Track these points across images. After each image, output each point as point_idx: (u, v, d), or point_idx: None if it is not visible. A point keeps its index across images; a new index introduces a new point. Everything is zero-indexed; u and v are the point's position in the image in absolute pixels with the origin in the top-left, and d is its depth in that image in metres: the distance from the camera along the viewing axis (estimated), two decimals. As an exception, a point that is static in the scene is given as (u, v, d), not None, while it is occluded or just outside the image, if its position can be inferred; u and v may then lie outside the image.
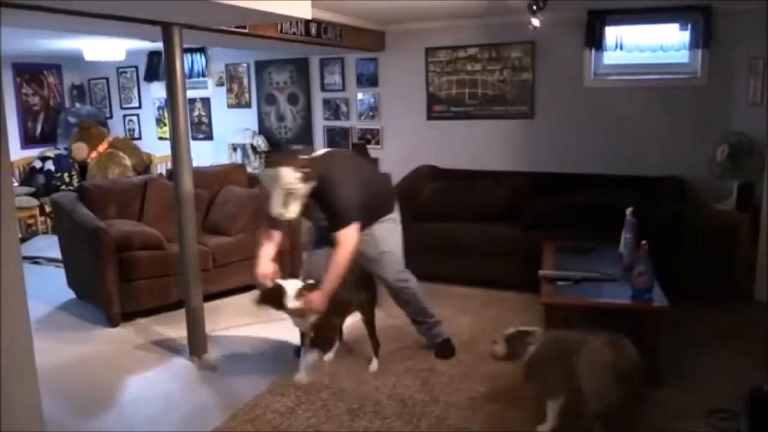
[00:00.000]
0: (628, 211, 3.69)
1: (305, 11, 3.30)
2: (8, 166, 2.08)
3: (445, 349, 3.56)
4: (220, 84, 6.81)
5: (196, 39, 4.70)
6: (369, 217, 3.23)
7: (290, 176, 2.92)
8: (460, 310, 4.29)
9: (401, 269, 3.42)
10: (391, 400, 3.08)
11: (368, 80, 6.04)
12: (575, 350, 2.60)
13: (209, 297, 4.01)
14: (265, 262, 3.22)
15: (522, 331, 2.85)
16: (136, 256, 4.22)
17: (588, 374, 2.51)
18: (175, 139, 3.50)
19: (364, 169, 3.53)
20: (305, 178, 2.96)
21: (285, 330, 4.00)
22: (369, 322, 3.44)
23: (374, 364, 3.40)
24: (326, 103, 6.28)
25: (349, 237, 3.03)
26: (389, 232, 3.37)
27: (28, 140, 7.23)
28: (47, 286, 4.87)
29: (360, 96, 6.12)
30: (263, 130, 6.62)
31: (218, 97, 6.86)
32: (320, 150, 3.42)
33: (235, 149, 6.68)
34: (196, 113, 6.97)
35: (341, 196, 3.04)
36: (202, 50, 6.64)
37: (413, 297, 3.47)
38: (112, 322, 4.15)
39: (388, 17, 5.40)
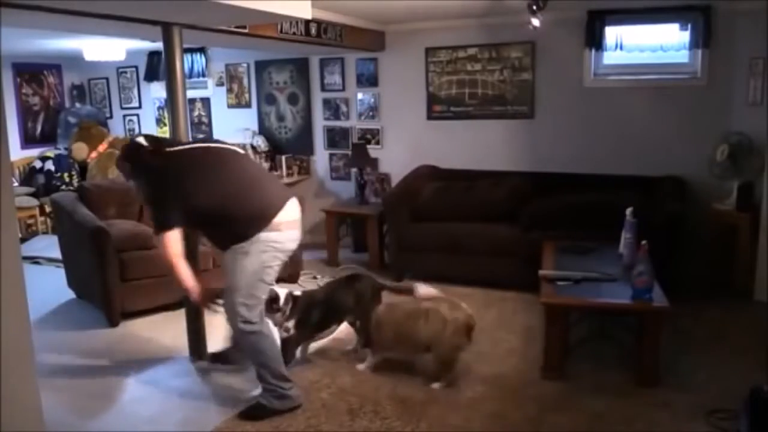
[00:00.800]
0: (628, 211, 3.70)
1: (305, 11, 3.30)
2: (8, 166, 2.08)
3: (256, 413, 2.95)
4: (220, 84, 6.80)
5: (196, 39, 4.70)
6: (222, 237, 2.89)
7: (116, 163, 3.02)
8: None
9: (241, 313, 2.84)
10: (391, 400, 3.08)
11: (368, 80, 6.04)
12: (417, 316, 3.24)
13: (209, 297, 4.00)
14: None
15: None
16: (136, 256, 4.22)
17: (438, 329, 3.18)
18: (174, 139, 3.50)
19: (220, 180, 2.83)
20: (123, 171, 2.92)
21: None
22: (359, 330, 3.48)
23: (364, 365, 3.41)
24: (326, 103, 6.28)
25: (163, 246, 2.75)
26: (230, 263, 2.86)
27: (28, 140, 7.23)
28: (47, 286, 4.87)
29: (360, 96, 6.12)
30: (263, 130, 6.62)
31: (218, 97, 6.85)
32: (200, 143, 3.27)
33: (235, 149, 6.68)
34: (196, 113, 6.97)
35: (153, 197, 2.81)
36: (202, 50, 6.64)
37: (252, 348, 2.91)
38: (112, 322, 4.16)
39: (388, 17, 5.40)
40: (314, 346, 3.65)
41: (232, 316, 2.86)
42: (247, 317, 2.84)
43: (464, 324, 3.20)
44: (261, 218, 2.82)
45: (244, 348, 2.95)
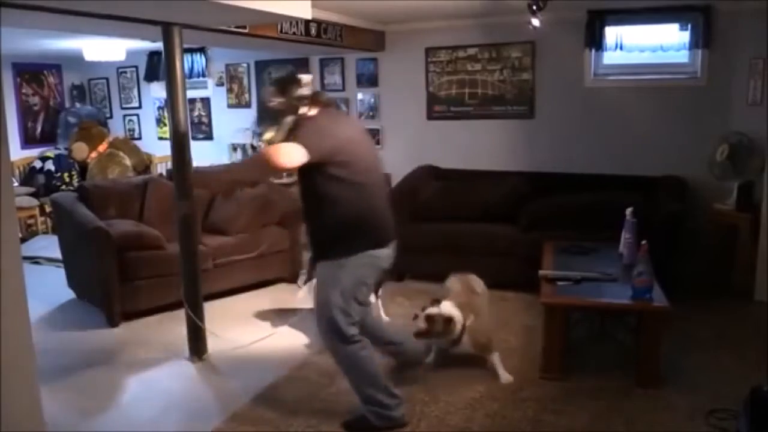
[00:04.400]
0: (628, 211, 3.70)
1: (305, 11, 3.30)
2: (8, 166, 2.08)
3: (359, 425, 2.83)
4: (220, 84, 6.80)
5: (196, 39, 4.70)
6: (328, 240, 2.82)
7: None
8: (460, 310, 4.28)
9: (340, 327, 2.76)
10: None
11: (368, 80, 6.04)
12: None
13: (209, 297, 4.01)
14: None
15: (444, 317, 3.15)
16: (136, 256, 4.22)
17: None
18: (175, 139, 3.50)
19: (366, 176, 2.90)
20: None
21: (285, 330, 4.01)
22: None
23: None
24: (326, 103, 6.27)
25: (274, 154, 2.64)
26: (326, 275, 2.86)
27: (28, 140, 7.23)
28: (47, 286, 4.87)
29: (360, 96, 6.12)
30: (263, 130, 6.61)
31: (218, 97, 6.85)
32: None
33: (235, 149, 6.68)
34: (196, 113, 6.97)
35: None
36: (202, 50, 6.64)
37: None
38: (112, 322, 4.15)
39: (388, 17, 5.40)
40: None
41: (329, 331, 2.72)
42: (345, 331, 2.69)
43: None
44: (380, 233, 2.76)
45: (340, 363, 2.82)
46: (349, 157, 2.65)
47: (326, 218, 2.70)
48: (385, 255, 2.80)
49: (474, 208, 4.92)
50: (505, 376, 3.24)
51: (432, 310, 3.17)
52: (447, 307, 3.18)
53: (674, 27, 4.89)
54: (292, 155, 2.53)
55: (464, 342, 3.23)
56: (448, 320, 3.14)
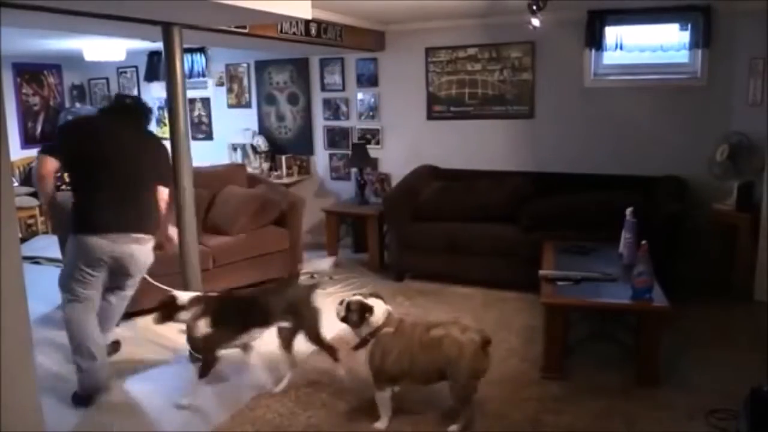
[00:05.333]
0: (628, 211, 3.70)
1: (305, 11, 3.30)
2: (8, 166, 2.08)
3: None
4: (220, 84, 6.80)
5: (196, 39, 4.70)
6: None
7: None
8: (461, 311, 4.29)
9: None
10: (391, 400, 3.07)
11: (368, 80, 6.04)
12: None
13: (209, 297, 4.00)
14: None
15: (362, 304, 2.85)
16: (136, 256, 4.20)
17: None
18: (175, 139, 3.50)
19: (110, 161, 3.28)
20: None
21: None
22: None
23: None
24: (326, 103, 6.28)
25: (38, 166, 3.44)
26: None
27: (28, 140, 7.23)
28: (47, 286, 4.85)
29: (360, 96, 6.12)
30: (263, 130, 6.62)
31: (218, 97, 6.85)
32: None
33: (235, 149, 6.68)
34: (196, 113, 6.97)
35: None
36: (202, 50, 6.64)
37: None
38: (112, 322, 4.15)
39: (388, 17, 5.40)
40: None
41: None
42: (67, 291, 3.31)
43: (482, 343, 2.75)
44: (94, 219, 3.14)
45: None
46: (88, 151, 3.15)
47: (73, 200, 3.28)
48: (101, 244, 3.13)
49: (474, 208, 4.93)
50: (378, 424, 2.84)
51: (354, 298, 2.91)
52: (376, 302, 2.87)
53: (674, 27, 4.88)
54: (44, 164, 3.17)
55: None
56: (367, 308, 2.81)
